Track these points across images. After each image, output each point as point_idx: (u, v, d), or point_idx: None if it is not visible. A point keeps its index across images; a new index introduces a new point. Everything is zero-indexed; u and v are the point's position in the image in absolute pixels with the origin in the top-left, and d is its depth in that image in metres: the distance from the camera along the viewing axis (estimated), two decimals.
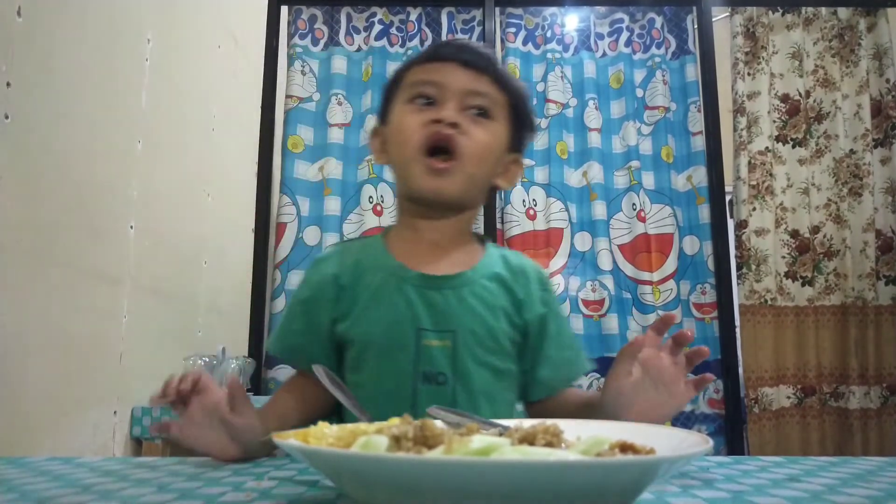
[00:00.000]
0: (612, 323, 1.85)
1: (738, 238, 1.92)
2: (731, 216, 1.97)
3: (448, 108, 0.64)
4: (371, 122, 1.94)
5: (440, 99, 0.65)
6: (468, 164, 0.64)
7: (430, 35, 2.02)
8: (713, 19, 2.01)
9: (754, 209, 1.91)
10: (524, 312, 0.68)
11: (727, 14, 2.09)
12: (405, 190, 0.68)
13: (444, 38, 2.00)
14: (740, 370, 1.85)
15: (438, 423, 0.36)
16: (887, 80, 1.95)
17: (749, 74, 1.99)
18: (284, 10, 1.98)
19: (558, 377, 0.70)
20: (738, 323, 1.86)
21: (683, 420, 1.80)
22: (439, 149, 0.63)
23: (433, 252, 0.68)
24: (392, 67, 1.99)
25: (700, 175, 1.94)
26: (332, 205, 1.89)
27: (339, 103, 1.94)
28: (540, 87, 2.02)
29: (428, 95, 0.66)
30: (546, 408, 0.70)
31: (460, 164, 0.64)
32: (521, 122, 0.70)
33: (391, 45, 2.02)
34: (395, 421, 0.38)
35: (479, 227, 1.88)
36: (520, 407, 0.73)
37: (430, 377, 0.64)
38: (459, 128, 0.64)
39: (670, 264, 1.91)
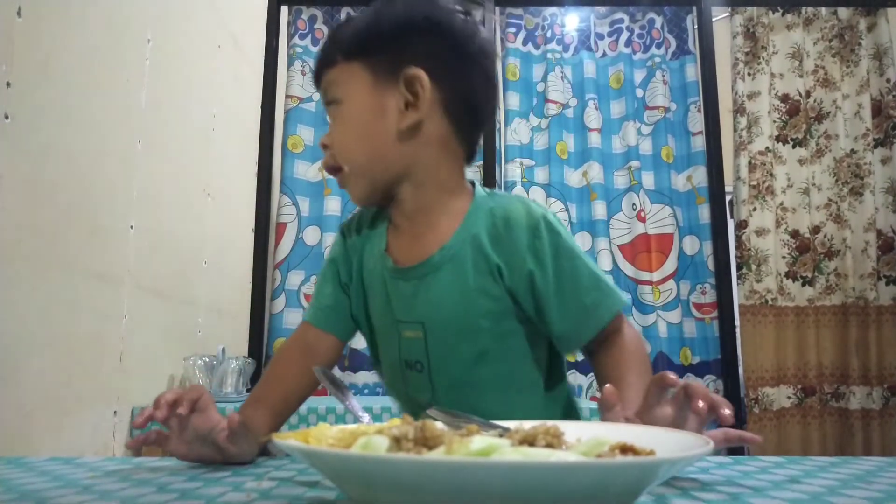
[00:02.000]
0: None
1: (738, 238, 1.92)
2: (732, 216, 1.97)
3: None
4: None
5: None
6: (347, 166, 0.63)
7: None
8: (713, 19, 2.01)
9: (754, 209, 1.91)
10: (506, 279, 0.62)
11: (727, 14, 2.09)
12: None
13: None
14: (740, 370, 1.85)
15: (439, 425, 0.36)
16: (888, 80, 1.95)
17: (749, 74, 1.99)
18: (284, 10, 1.98)
19: (579, 329, 0.62)
20: (738, 323, 1.86)
21: None
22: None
23: (412, 230, 0.66)
24: None
25: (700, 175, 1.94)
26: (333, 205, 1.89)
27: None
28: (540, 87, 2.02)
29: None
30: (598, 362, 0.63)
31: (343, 174, 0.63)
32: (380, 51, 0.61)
33: None
34: (395, 422, 0.38)
35: None
36: (535, 378, 0.66)
37: (410, 365, 0.65)
38: (327, 147, 0.64)
39: (670, 264, 1.91)
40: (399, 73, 0.60)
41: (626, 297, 0.67)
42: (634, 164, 1.95)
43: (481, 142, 0.75)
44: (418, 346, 0.64)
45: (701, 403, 0.45)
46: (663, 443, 0.37)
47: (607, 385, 0.48)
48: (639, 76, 2.03)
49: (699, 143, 1.95)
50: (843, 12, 2.00)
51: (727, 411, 0.44)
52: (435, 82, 0.60)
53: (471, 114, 0.64)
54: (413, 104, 0.61)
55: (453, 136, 0.64)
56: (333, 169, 0.64)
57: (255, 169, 1.91)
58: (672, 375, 0.48)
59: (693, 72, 2.00)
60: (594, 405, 1.33)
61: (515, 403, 0.66)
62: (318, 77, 0.65)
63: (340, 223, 0.76)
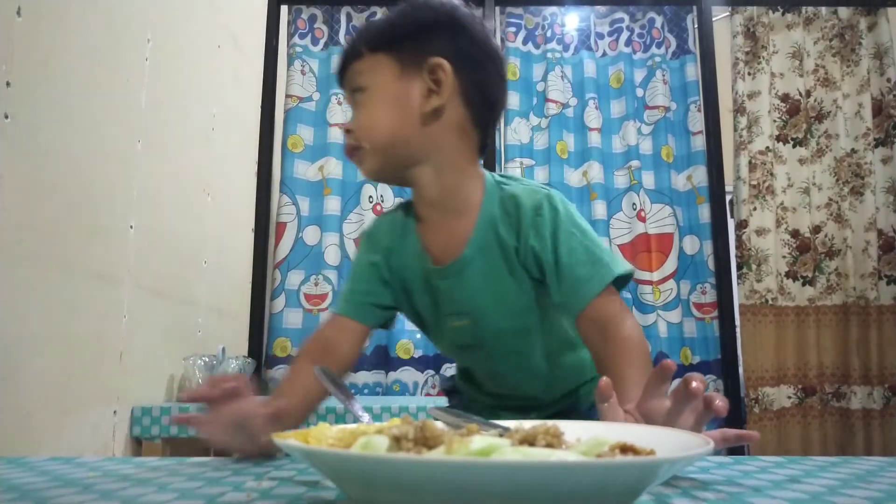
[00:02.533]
0: None
1: (738, 238, 1.92)
2: (732, 216, 1.97)
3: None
4: None
5: None
6: (368, 144, 0.67)
7: None
8: (713, 19, 2.01)
9: (755, 209, 1.91)
10: (521, 257, 0.68)
11: (727, 14, 2.09)
12: None
13: None
14: (740, 370, 1.85)
15: (439, 424, 0.36)
16: (888, 80, 1.95)
17: (749, 74, 1.99)
18: (284, 9, 1.98)
19: (573, 300, 0.66)
20: (738, 323, 1.86)
21: None
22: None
23: (440, 222, 0.70)
24: None
25: (700, 175, 1.94)
26: (332, 204, 1.89)
27: (339, 103, 1.94)
28: (540, 87, 2.02)
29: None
30: (600, 355, 0.65)
31: (362, 151, 0.67)
32: (407, 44, 0.67)
33: None
34: (395, 421, 0.38)
35: None
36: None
37: (464, 347, 0.74)
38: (350, 132, 0.69)
39: (670, 264, 1.91)
40: (423, 63, 0.66)
41: (625, 268, 0.65)
42: (634, 163, 1.95)
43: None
44: (468, 332, 0.71)
45: (700, 402, 0.46)
46: (663, 442, 0.37)
47: (603, 378, 0.49)
48: (639, 76, 2.03)
49: (699, 142, 1.95)
50: (844, 12, 2.00)
51: (720, 403, 0.45)
52: (456, 72, 0.66)
53: (486, 105, 0.69)
54: (435, 91, 0.66)
55: (470, 124, 0.68)
56: (354, 148, 0.68)
57: (255, 168, 1.91)
58: (672, 364, 0.48)
59: (693, 71, 2.00)
60: None
61: (567, 361, 0.75)
62: (343, 70, 0.70)
63: (362, 231, 0.78)
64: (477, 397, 0.81)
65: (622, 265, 0.66)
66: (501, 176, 0.72)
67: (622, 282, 0.67)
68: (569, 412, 0.76)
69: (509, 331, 0.70)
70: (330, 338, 0.72)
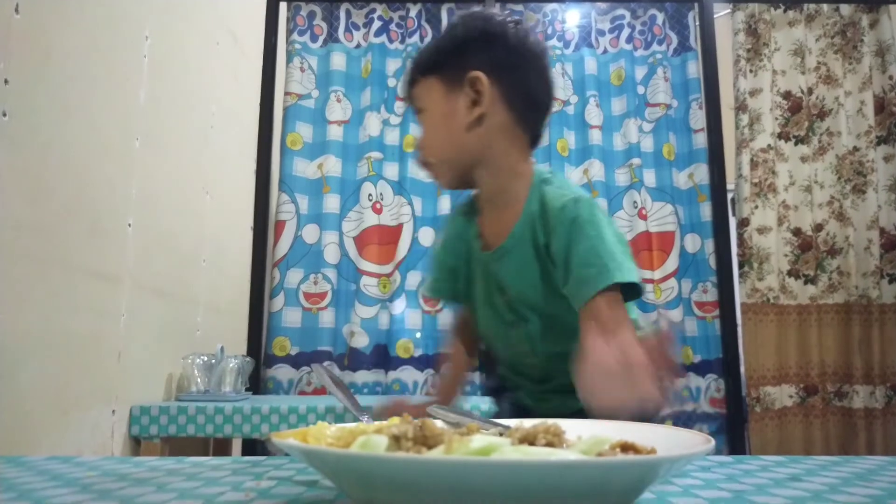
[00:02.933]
0: None
1: (740, 236, 1.91)
2: (733, 214, 1.96)
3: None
4: (370, 119, 1.94)
5: None
6: (434, 159, 0.78)
7: (429, 31, 2.01)
8: (715, 16, 2.00)
9: (756, 207, 1.91)
10: (549, 253, 0.74)
11: (729, 10, 2.09)
12: None
13: None
14: (742, 369, 1.85)
15: (438, 423, 0.36)
16: (890, 77, 1.94)
17: (751, 71, 1.98)
18: (283, 6, 1.98)
19: (572, 299, 0.70)
20: (739, 321, 1.86)
21: (685, 419, 1.80)
22: None
23: (493, 213, 0.80)
24: (391, 64, 1.99)
25: (702, 173, 1.94)
26: (332, 202, 1.88)
27: (339, 100, 1.94)
28: None
29: None
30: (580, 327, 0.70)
31: (432, 167, 0.79)
32: (449, 64, 0.76)
33: (391, 41, 2.01)
34: (395, 421, 0.38)
35: None
36: None
37: (509, 324, 0.81)
38: (420, 150, 0.79)
39: (672, 262, 1.90)
40: (464, 78, 0.74)
41: (626, 276, 0.66)
42: (636, 161, 1.95)
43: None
44: (510, 310, 0.79)
45: None
46: (664, 441, 0.37)
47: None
48: (640, 73, 2.02)
49: (701, 140, 1.95)
50: (846, 9, 2.00)
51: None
52: (493, 80, 0.74)
53: (529, 104, 0.76)
54: (477, 101, 0.74)
55: (515, 125, 0.76)
56: (424, 164, 0.79)
57: (254, 166, 1.91)
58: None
59: (694, 68, 1.99)
60: None
61: None
62: (408, 95, 0.81)
63: (452, 208, 0.86)
64: (522, 384, 0.85)
65: (625, 273, 0.67)
66: (548, 173, 0.79)
67: (631, 293, 0.69)
68: None
69: (542, 312, 0.77)
70: (464, 314, 0.89)
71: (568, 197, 0.72)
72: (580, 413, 0.57)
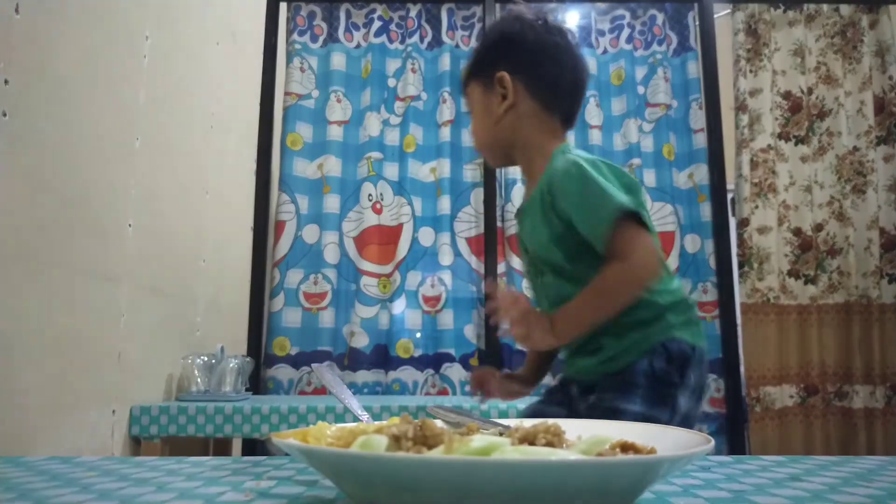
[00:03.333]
0: None
1: (740, 236, 1.91)
2: (733, 214, 1.96)
3: None
4: (370, 119, 1.94)
5: None
6: (479, 146, 0.97)
7: (429, 32, 2.01)
8: (715, 16, 2.00)
9: (756, 207, 1.91)
10: (555, 210, 0.84)
11: (729, 11, 2.09)
12: None
13: (443, 34, 1.99)
14: (742, 369, 1.85)
15: (438, 423, 0.36)
16: (890, 77, 1.94)
17: (751, 71, 1.98)
18: (283, 6, 1.98)
19: (594, 241, 0.80)
20: (739, 321, 1.86)
21: None
22: None
23: (527, 185, 0.97)
24: (391, 64, 1.99)
25: (702, 173, 1.94)
26: (332, 202, 1.88)
27: (339, 100, 1.94)
28: None
29: None
30: None
31: (481, 152, 1.00)
32: (482, 69, 0.92)
33: (391, 41, 2.01)
34: (395, 420, 0.38)
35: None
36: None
37: (532, 276, 0.94)
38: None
39: (672, 262, 1.90)
40: (493, 79, 0.90)
41: (622, 200, 0.76)
42: (635, 161, 1.94)
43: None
44: (532, 264, 0.93)
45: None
46: (664, 441, 0.37)
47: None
48: (640, 73, 2.02)
49: (701, 140, 1.95)
50: (845, 9, 2.00)
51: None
52: (516, 77, 0.89)
53: (553, 92, 0.90)
54: (505, 96, 0.89)
55: (542, 111, 0.90)
56: (478, 150, 0.99)
57: (254, 166, 1.91)
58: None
59: (694, 69, 1.99)
60: None
61: None
62: (464, 98, 0.99)
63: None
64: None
65: (616, 206, 0.76)
66: (568, 147, 0.89)
67: (632, 216, 0.78)
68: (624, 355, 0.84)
69: (553, 266, 0.87)
70: None
71: (569, 162, 0.83)
72: (598, 366, 0.83)
